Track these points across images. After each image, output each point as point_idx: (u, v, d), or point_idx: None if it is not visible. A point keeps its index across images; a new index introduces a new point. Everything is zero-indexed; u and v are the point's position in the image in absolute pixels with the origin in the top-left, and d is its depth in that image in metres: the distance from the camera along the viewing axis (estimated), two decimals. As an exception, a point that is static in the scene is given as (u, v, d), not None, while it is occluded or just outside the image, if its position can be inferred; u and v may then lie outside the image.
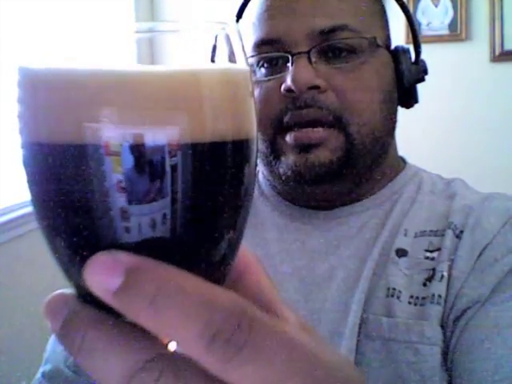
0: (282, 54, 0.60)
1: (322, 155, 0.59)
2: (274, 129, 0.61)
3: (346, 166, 0.60)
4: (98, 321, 0.21)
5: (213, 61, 0.24)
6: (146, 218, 0.21)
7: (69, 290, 0.23)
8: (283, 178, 0.61)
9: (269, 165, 0.63)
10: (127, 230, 0.21)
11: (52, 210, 0.22)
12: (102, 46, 0.23)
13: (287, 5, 0.60)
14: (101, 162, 0.20)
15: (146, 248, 0.21)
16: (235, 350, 0.19)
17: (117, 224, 0.21)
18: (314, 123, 0.59)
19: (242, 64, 0.25)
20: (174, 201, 0.21)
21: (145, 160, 0.20)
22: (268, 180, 0.69)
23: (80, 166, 0.20)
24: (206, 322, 0.19)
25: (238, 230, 0.24)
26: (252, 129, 0.24)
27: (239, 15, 0.68)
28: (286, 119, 0.60)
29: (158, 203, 0.21)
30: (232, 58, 0.24)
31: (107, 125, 0.20)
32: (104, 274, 0.20)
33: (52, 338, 0.64)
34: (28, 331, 1.61)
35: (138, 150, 0.20)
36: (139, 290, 0.20)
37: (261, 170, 0.70)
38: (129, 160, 0.20)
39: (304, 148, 0.59)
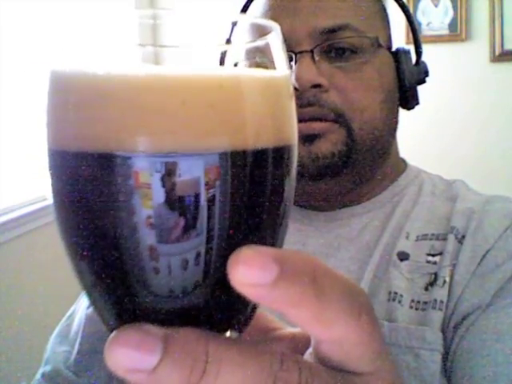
0: None
1: (324, 147, 0.59)
2: None
3: (347, 163, 0.60)
4: (209, 336, 0.20)
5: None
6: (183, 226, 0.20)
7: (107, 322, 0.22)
8: None
9: None
10: (163, 238, 0.20)
11: (78, 220, 0.21)
12: (107, 46, 0.22)
13: (290, 4, 0.61)
14: (136, 173, 0.19)
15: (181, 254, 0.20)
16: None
17: (151, 236, 0.20)
18: (315, 120, 0.59)
19: (283, 68, 0.24)
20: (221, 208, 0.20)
21: (185, 174, 0.20)
22: None
23: (112, 176, 0.19)
24: (363, 298, 0.21)
25: (282, 240, 0.24)
26: (295, 134, 0.24)
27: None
28: None
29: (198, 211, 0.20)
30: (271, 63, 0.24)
31: (148, 137, 0.19)
32: (257, 268, 0.19)
33: (52, 339, 0.64)
34: (28, 331, 1.61)
35: (176, 161, 0.19)
36: (299, 273, 0.19)
37: None
38: (166, 174, 0.19)
39: (307, 139, 0.59)
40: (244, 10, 0.69)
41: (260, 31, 0.24)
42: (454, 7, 2.39)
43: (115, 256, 0.21)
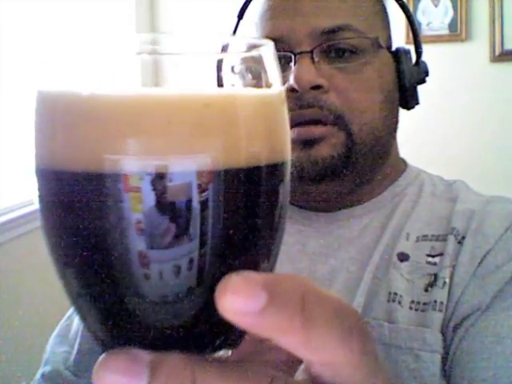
0: (284, 53, 0.60)
1: (324, 151, 0.59)
2: None
3: (347, 164, 0.60)
4: (196, 361, 0.20)
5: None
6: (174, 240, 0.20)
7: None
8: None
9: None
10: (152, 268, 0.20)
11: (66, 241, 0.21)
12: (105, 63, 0.22)
13: (289, 4, 0.60)
14: (126, 192, 0.19)
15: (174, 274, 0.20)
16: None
17: (140, 255, 0.20)
18: (315, 122, 0.59)
19: (277, 85, 0.24)
20: (211, 224, 0.20)
21: (176, 190, 0.20)
22: None
23: (101, 196, 0.19)
24: (355, 317, 0.21)
25: (273, 259, 0.24)
26: (287, 151, 0.24)
27: (240, 16, 0.68)
28: None
29: (187, 228, 0.20)
30: (263, 78, 0.24)
31: (135, 155, 0.19)
32: (245, 297, 0.19)
33: (52, 339, 0.64)
34: (28, 331, 1.61)
35: (167, 179, 0.19)
36: (287, 301, 0.19)
37: None
38: (153, 193, 0.19)
39: (306, 143, 0.59)
40: (243, 10, 0.68)
41: (253, 48, 0.24)
42: (454, 7, 2.39)
43: (104, 281, 0.21)
